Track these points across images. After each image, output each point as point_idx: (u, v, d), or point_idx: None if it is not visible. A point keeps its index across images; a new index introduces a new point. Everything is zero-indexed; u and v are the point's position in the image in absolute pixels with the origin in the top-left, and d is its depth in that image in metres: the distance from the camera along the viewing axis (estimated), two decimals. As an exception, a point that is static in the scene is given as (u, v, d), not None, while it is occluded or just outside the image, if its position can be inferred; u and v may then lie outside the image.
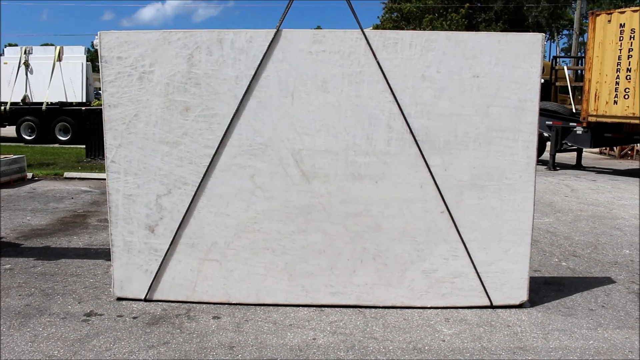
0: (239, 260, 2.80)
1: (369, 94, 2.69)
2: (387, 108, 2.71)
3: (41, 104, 12.21)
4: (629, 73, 7.78)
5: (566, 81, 10.95)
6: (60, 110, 12.25)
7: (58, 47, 12.61)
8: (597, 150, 12.33)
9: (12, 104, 12.24)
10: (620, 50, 7.83)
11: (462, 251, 2.78)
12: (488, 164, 2.73)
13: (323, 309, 2.79)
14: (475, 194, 2.76)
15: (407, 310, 2.79)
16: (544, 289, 3.17)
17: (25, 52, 12.35)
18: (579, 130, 8.70)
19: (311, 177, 2.76)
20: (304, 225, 2.79)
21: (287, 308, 2.79)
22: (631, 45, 7.72)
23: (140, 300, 2.82)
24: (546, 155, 9.66)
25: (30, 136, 12.33)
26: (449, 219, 2.76)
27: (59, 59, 12.33)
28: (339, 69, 2.67)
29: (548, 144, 9.51)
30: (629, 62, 7.75)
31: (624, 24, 7.78)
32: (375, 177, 2.76)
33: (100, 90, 2.84)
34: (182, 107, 2.71)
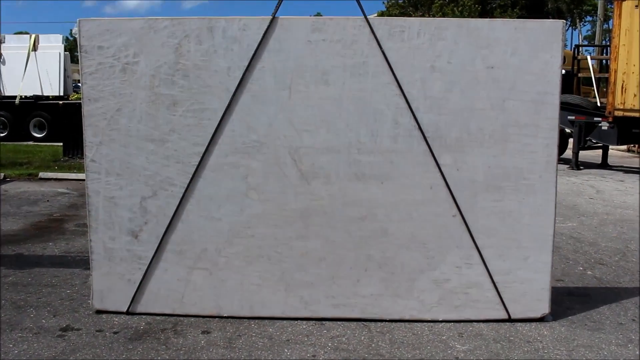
0: (231, 269, 2.80)
1: (374, 86, 2.70)
2: (393, 102, 2.71)
3: (14, 97, 12.21)
4: (659, 63, 7.79)
5: (590, 72, 10.96)
6: (35, 104, 12.26)
7: (33, 36, 12.63)
8: (624, 147, 12.33)
9: (-18, 98, 12.26)
10: (650, 38, 7.84)
11: (477, 259, 2.78)
12: (504, 163, 2.74)
13: (324, 322, 2.78)
14: (491, 195, 2.76)
15: (416, 323, 2.78)
16: (568, 301, 3.17)
17: (-4, 41, 12.38)
18: (605, 125, 8.71)
19: (310, 178, 2.76)
20: (303, 231, 2.79)
21: (284, 322, 2.78)
22: (661, 33, 7.73)
23: (122, 313, 2.81)
24: (568, 153, 9.67)
25: (1, 133, 12.32)
26: (462, 224, 2.76)
27: (34, 48, 12.34)
28: (341, 60, 2.68)
29: (570, 141, 9.52)
30: (659, 51, 7.77)
31: (653, 9, 7.80)
32: (380, 177, 2.76)
33: (79, 82, 2.89)
34: (169, 102, 2.72)
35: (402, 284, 2.81)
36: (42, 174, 7.28)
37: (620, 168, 9.58)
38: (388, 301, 2.82)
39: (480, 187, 2.76)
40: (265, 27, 2.64)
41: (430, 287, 2.81)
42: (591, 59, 12.06)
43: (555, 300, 3.00)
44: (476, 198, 2.77)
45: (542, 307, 2.83)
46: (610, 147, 9.92)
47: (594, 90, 10.82)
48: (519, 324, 2.81)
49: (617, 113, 8.35)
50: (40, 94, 12.57)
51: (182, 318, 2.80)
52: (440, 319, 2.82)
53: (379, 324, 2.79)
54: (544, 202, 2.77)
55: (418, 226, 2.79)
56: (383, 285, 2.81)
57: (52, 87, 12.63)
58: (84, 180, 2.86)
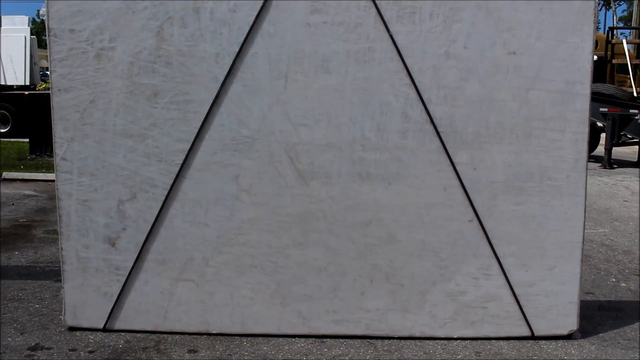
0: (220, 281, 2.82)
1: (380, 75, 2.72)
2: (402, 92, 2.73)
3: (-27, 88, 12.21)
4: (702, 48, 7.80)
5: (625, 58, 10.96)
6: (-3, 95, 12.26)
7: (-5, 17, 12.64)
8: (663, 143, 12.35)
9: (-63, 87, 12.26)
10: (692, 19, 7.84)
11: (496, 269, 2.80)
12: (527, 162, 2.76)
13: (324, 340, 2.80)
14: (512, 198, 2.78)
15: (427, 341, 2.80)
16: (599, 316, 3.19)
17: (-47, 24, 12.38)
18: (642, 118, 8.71)
19: (309, 178, 2.78)
20: (301, 237, 2.81)
21: (280, 339, 2.79)
22: None
23: (98, 330, 2.83)
24: (600, 150, 9.68)
25: (-41, 128, 12.34)
26: (480, 229, 2.78)
27: (-4, 32, 12.35)
28: (344, 45, 2.69)
29: (603, 136, 9.53)
30: (703, 34, 7.77)
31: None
32: (387, 177, 2.78)
33: (47, 70, 2.89)
34: (149, 92, 2.73)
35: (412, 297, 2.83)
36: (6, 174, 7.29)
37: (659, 166, 9.59)
38: (396, 316, 2.83)
39: (500, 188, 2.78)
40: (259, 8, 2.64)
41: (444, 300, 2.83)
42: (627, 43, 12.06)
43: (584, 315, 3.02)
44: (495, 201, 2.78)
45: (570, 323, 2.84)
46: (647, 142, 9.94)
47: (629, 79, 10.83)
48: (544, 341, 2.82)
49: (655, 104, 8.36)
50: (4, 83, 12.56)
51: (165, 335, 2.81)
52: (455, 336, 2.83)
53: (386, 341, 2.80)
54: (572, 205, 2.79)
55: (430, 232, 2.80)
56: (391, 298, 2.83)
57: (17, 75, 12.62)
58: (53, 181, 2.86)
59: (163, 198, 2.78)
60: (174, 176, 2.77)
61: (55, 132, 2.75)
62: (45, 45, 2.79)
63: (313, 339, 2.80)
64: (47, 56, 2.77)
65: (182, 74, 2.73)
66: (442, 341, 2.80)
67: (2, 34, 12.64)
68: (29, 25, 13.06)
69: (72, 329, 2.85)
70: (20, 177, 7.28)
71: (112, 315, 2.83)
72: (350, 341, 2.79)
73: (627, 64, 10.83)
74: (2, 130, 12.32)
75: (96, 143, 2.75)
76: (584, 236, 2.83)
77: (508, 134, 2.76)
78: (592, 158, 9.18)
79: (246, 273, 2.83)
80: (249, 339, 2.79)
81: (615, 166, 9.29)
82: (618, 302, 3.45)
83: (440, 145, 2.76)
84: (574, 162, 2.77)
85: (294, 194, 2.80)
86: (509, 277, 2.81)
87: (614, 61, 11.13)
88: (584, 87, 2.73)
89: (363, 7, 2.66)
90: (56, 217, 2.85)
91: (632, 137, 9.35)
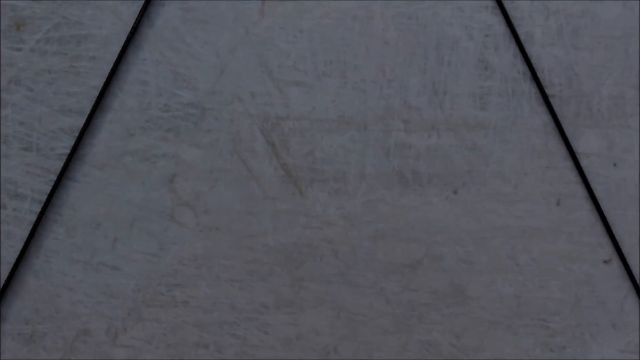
0: None
1: None
2: (478, 23, 1.77)
3: None
4: None
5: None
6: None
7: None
8: None
9: None
10: None
11: None
12: None
13: None
14: None
15: None
16: None
17: None
18: None
19: (306, 182, 1.84)
20: (290, 291, 1.84)
21: None
22: None
23: None
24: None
25: None
26: (625, 278, 1.80)
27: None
28: None
29: None
30: None
31: None
32: (452, 180, 1.81)
33: None
34: (7, 22, 1.78)
35: (497, 404, 1.84)
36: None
37: None
38: None
39: (663, 200, 1.81)
40: None
41: (558, 410, 1.86)
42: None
43: None
44: (654, 224, 1.80)
45: None
46: None
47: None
48: None
49: None
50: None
51: None
52: None
53: None
54: None
55: (531, 282, 1.84)
56: (458, 405, 1.85)
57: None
58: None
59: (34, 219, 1.80)
60: (55, 178, 1.81)
61: None
62: None
63: None
64: None
65: (67, -13, 1.78)
66: None
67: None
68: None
69: None
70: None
71: None
72: None
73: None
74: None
75: None
76: None
77: (678, 99, 1.80)
78: None
79: (188, 357, 1.87)
80: None
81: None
82: None
83: (550, 120, 1.79)
84: None
85: (278, 210, 1.81)
86: (682, 369, 1.79)
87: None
88: None
89: None
90: None
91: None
